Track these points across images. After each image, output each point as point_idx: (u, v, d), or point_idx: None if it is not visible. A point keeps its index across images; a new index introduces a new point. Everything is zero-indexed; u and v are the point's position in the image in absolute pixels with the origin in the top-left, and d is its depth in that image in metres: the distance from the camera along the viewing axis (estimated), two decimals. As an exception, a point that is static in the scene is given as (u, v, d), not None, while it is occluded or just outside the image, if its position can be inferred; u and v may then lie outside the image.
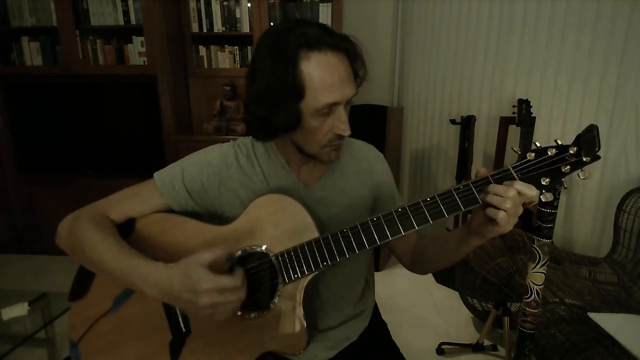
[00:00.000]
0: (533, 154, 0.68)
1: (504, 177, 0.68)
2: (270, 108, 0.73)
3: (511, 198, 0.64)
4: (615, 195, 1.88)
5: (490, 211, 0.66)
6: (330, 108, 0.73)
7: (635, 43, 1.84)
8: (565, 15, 2.03)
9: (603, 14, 1.90)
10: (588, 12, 1.95)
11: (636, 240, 1.67)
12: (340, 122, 0.75)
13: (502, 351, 1.86)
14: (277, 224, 0.79)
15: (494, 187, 0.66)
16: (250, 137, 0.90)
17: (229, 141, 0.91)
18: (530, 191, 0.65)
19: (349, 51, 0.74)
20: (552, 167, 0.68)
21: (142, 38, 2.56)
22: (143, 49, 2.59)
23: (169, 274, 0.69)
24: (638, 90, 1.87)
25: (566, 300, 1.52)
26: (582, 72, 2.01)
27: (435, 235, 0.89)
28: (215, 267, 0.68)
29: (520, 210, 0.67)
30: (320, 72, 0.70)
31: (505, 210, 0.64)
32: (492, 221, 0.67)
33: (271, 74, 0.71)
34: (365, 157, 0.94)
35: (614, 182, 1.97)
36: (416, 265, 0.93)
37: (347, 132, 0.76)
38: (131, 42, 2.60)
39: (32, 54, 2.65)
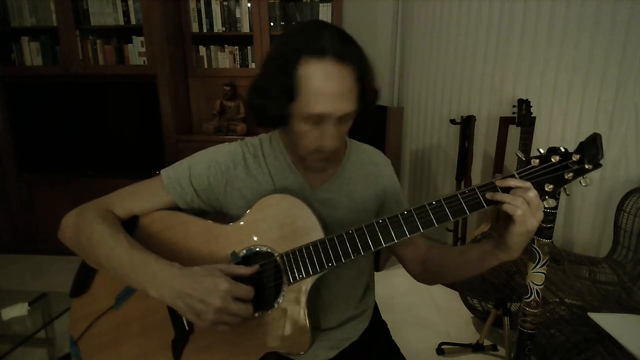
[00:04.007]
0: (537, 160, 0.70)
1: None
2: (263, 100, 0.74)
3: (524, 194, 0.66)
4: (615, 195, 1.88)
5: (505, 207, 0.67)
6: (321, 118, 0.72)
7: (635, 43, 1.84)
8: (565, 15, 2.03)
9: (603, 14, 1.90)
10: (588, 12, 1.95)
11: (636, 240, 1.67)
12: (326, 137, 0.74)
13: (502, 351, 1.85)
14: (282, 224, 0.79)
15: (502, 182, 0.69)
16: (259, 136, 0.91)
17: (232, 141, 0.91)
18: (526, 189, 0.66)
19: (358, 67, 0.71)
20: (555, 174, 0.69)
21: (142, 38, 2.56)
22: (143, 49, 2.59)
23: (187, 271, 0.70)
24: (638, 90, 1.87)
25: (566, 300, 1.52)
26: (582, 72, 2.01)
27: (450, 247, 0.89)
28: None
29: (540, 214, 0.67)
30: (316, 80, 0.69)
31: (516, 206, 0.66)
32: (510, 222, 0.68)
33: (272, 70, 0.72)
34: (372, 161, 0.94)
35: (614, 182, 1.97)
36: (426, 275, 0.92)
37: (331, 148, 0.76)
38: (131, 42, 2.60)
39: (32, 54, 2.65)
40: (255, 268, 0.76)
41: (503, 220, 0.70)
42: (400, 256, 0.95)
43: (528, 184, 0.67)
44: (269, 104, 0.74)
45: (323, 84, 0.69)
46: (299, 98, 0.71)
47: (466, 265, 0.82)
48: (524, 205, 0.65)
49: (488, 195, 0.69)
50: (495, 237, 0.74)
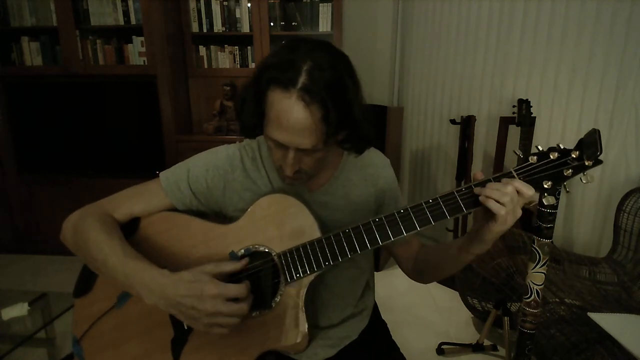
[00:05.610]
0: (535, 157, 0.69)
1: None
2: (243, 109, 0.77)
3: (509, 193, 0.64)
4: (615, 195, 1.89)
5: (490, 204, 0.65)
6: (280, 143, 0.72)
7: (635, 43, 1.84)
8: (565, 15, 2.03)
9: (603, 14, 1.90)
10: (588, 12, 1.95)
11: (636, 240, 1.67)
12: (286, 162, 0.74)
13: (502, 351, 1.85)
14: (280, 224, 0.79)
15: (493, 183, 0.67)
16: (257, 139, 0.91)
17: (232, 142, 0.91)
18: (528, 190, 0.65)
19: (326, 107, 0.67)
20: (554, 171, 0.68)
21: (142, 38, 2.56)
22: (143, 49, 2.59)
23: (175, 278, 0.69)
24: (638, 91, 1.87)
25: (566, 300, 1.52)
26: (582, 72, 2.01)
27: (437, 243, 0.89)
28: (219, 280, 0.70)
29: (519, 211, 0.67)
30: (276, 110, 0.69)
31: (503, 205, 0.64)
32: (491, 220, 0.67)
33: (252, 84, 0.73)
34: (371, 162, 0.93)
35: (614, 182, 1.97)
36: (417, 273, 0.93)
37: (287, 173, 0.76)
38: (131, 42, 2.60)
39: (32, 54, 2.65)
40: (245, 261, 0.76)
41: (484, 217, 0.69)
42: (395, 255, 0.96)
43: (508, 181, 0.66)
44: (245, 114, 0.76)
45: (282, 116, 0.68)
46: (265, 117, 0.72)
47: (445, 262, 0.82)
48: (510, 204, 0.64)
49: (476, 190, 0.68)
50: (471, 233, 0.73)
